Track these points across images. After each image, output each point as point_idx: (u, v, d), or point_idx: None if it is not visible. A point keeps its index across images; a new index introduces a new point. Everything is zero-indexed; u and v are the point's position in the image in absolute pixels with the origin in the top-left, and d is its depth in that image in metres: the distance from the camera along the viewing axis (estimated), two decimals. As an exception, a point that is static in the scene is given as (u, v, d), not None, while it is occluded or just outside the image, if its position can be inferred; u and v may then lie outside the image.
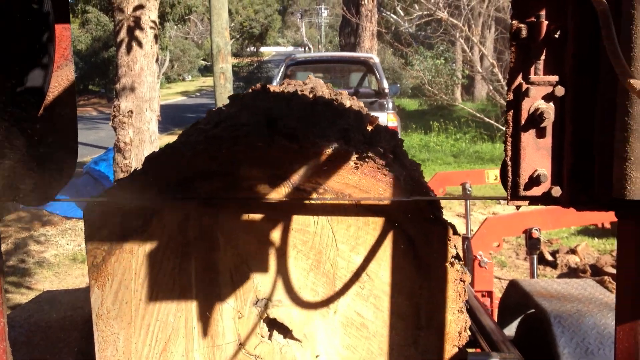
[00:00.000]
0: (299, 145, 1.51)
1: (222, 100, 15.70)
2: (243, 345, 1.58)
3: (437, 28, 17.01)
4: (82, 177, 10.47)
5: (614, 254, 7.26)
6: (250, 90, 2.34)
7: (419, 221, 1.53)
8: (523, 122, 1.29)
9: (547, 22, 1.26)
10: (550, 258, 7.42)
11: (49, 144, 1.68)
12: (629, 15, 1.09)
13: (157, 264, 1.54)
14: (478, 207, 10.31)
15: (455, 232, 1.56)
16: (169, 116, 20.44)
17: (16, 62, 1.61)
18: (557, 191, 1.30)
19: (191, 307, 1.56)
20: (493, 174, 6.31)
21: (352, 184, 1.52)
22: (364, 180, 1.52)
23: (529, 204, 1.36)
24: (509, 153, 1.32)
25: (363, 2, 17.28)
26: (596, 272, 6.86)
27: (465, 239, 4.41)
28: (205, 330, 1.57)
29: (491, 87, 12.52)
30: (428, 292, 1.56)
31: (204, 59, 48.41)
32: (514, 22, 1.29)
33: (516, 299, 3.20)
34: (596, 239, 8.14)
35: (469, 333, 1.62)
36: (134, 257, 1.54)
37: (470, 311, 3.31)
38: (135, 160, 7.84)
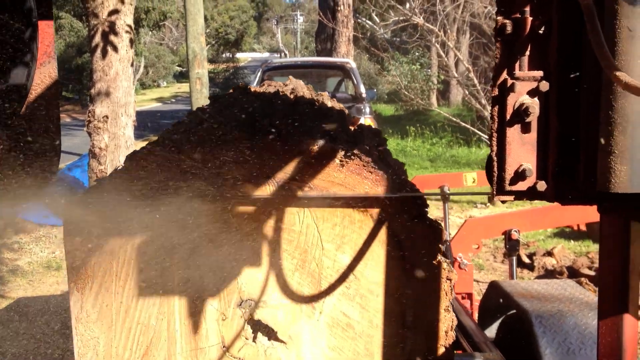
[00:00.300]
0: (284, 143, 1.49)
1: (198, 105, 15.56)
2: (227, 348, 1.55)
3: (412, 33, 17.11)
4: (57, 184, 10.32)
5: (590, 256, 7.33)
6: (231, 91, 2.31)
7: (405, 220, 1.51)
8: (508, 117, 1.30)
9: (531, 17, 1.26)
10: (527, 260, 7.47)
11: (32, 141, 1.70)
12: (612, 10, 1.10)
13: (139, 267, 1.50)
14: (455, 211, 10.36)
15: (442, 231, 1.54)
16: (144, 122, 20.27)
17: None
18: (542, 185, 1.31)
19: (173, 310, 1.52)
20: (471, 177, 6.34)
21: (338, 181, 1.50)
22: (349, 177, 1.50)
23: (515, 199, 1.36)
24: (494, 148, 1.33)
25: (339, 8, 17.33)
26: (573, 274, 6.92)
27: (445, 241, 4.43)
28: (188, 333, 1.53)
29: (467, 92, 12.61)
30: (414, 291, 1.54)
31: (179, 65, 48.17)
32: (498, 18, 1.29)
33: (497, 300, 3.21)
34: (572, 241, 8.21)
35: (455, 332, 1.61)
36: (115, 258, 1.50)
37: (452, 313, 3.31)
38: (110, 165, 7.74)
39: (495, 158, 1.33)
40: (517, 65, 1.29)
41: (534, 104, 1.28)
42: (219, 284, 1.52)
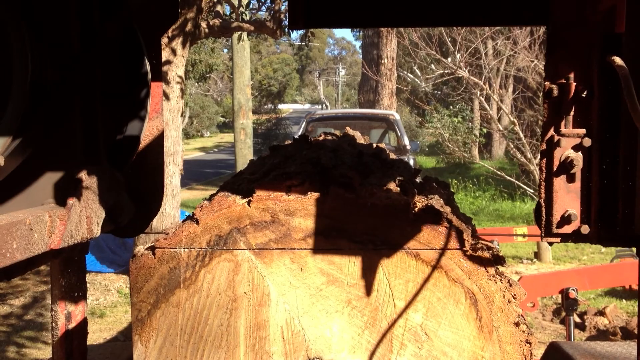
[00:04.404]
0: (356, 195, 1.45)
1: (242, 155, 15.78)
2: (292, 408, 1.48)
3: (456, 87, 17.11)
4: (104, 231, 10.42)
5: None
6: (290, 141, 2.29)
7: (481, 277, 1.45)
8: (555, 168, 1.50)
9: (575, 83, 1.47)
10: (578, 320, 7.20)
11: (141, 185, 1.98)
12: None
13: (205, 320, 1.46)
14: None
15: (521, 290, 1.47)
16: (188, 171, 20.53)
17: (120, 114, 1.92)
18: (586, 229, 1.49)
19: (239, 366, 1.47)
20: (521, 231, 6.19)
21: (411, 236, 1.44)
22: (424, 232, 1.44)
23: (561, 241, 1.54)
24: (543, 195, 1.52)
25: (383, 61, 17.51)
26: (627, 334, 6.64)
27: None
28: (253, 392, 1.47)
29: (512, 145, 12.47)
30: (491, 354, 1.46)
31: (222, 116, 49.04)
32: (546, 82, 1.51)
33: (558, 362, 3.06)
34: (624, 300, 7.92)
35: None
36: (181, 311, 1.46)
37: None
38: (158, 215, 7.80)
39: (543, 204, 1.52)
40: (562, 123, 1.48)
41: (578, 158, 1.47)
42: (286, 340, 1.47)
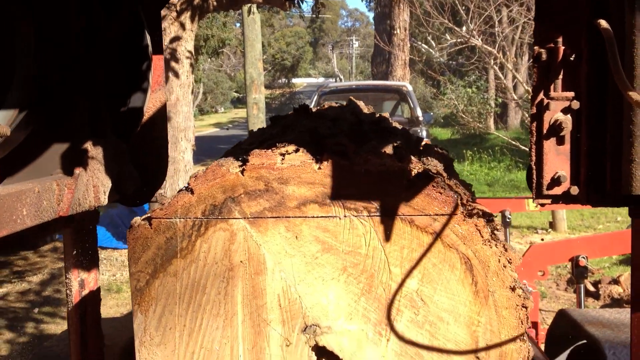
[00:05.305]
0: (350, 162, 1.44)
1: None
2: (291, 375, 1.49)
3: (470, 56, 16.93)
4: (118, 207, 10.54)
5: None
6: (291, 112, 2.28)
7: (476, 242, 1.44)
8: (545, 131, 1.52)
9: (563, 47, 1.49)
10: (592, 288, 7.20)
11: (145, 156, 2.04)
12: (631, 41, 1.32)
13: (202, 289, 1.47)
14: (515, 237, 10.11)
15: (517, 255, 1.46)
16: (202, 148, 20.60)
17: (123, 87, 1.97)
18: (575, 190, 1.51)
19: (237, 334, 1.48)
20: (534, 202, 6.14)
21: (405, 202, 1.44)
22: (418, 198, 1.44)
23: (552, 202, 1.56)
24: (534, 158, 1.54)
25: (395, 32, 17.33)
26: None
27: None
28: (251, 359, 1.49)
29: (526, 114, 12.34)
30: (487, 319, 1.46)
31: (236, 91, 48.97)
32: (535, 47, 1.52)
33: (565, 329, 3.06)
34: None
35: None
36: (179, 280, 1.47)
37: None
38: (170, 189, 7.85)
39: (534, 167, 1.54)
40: (552, 87, 1.50)
41: (566, 120, 1.49)
42: (283, 308, 1.48)
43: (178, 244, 1.46)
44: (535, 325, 3.96)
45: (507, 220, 5.45)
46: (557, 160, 1.53)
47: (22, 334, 6.70)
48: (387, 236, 1.46)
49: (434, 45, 17.83)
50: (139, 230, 1.46)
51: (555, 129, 1.51)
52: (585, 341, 2.87)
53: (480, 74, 21.71)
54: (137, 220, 1.48)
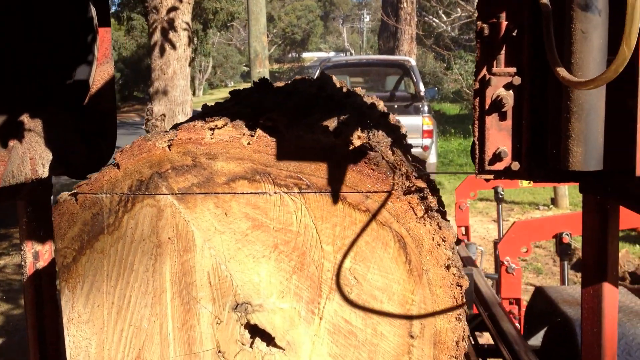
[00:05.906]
0: (281, 138, 1.40)
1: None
2: (222, 353, 1.47)
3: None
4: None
5: (658, 261, 6.95)
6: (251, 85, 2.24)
7: (409, 220, 1.40)
8: (487, 107, 1.51)
9: (506, 22, 1.47)
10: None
11: (92, 128, 2.03)
12: (569, 15, 1.28)
13: (130, 266, 1.44)
14: (516, 213, 10.04)
15: (452, 231, 1.43)
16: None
17: (67, 59, 1.95)
18: (516, 165, 1.51)
19: (166, 312, 1.46)
20: (528, 177, 6.07)
21: (337, 178, 1.40)
22: (350, 175, 1.40)
23: (494, 178, 1.57)
24: (476, 134, 1.54)
25: (402, 6, 17.09)
26: (636, 279, 6.57)
27: (496, 244, 4.23)
28: (181, 337, 1.46)
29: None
30: (421, 297, 1.43)
31: (246, 65, 48.72)
32: (478, 22, 1.50)
33: (542, 306, 3.03)
34: (638, 245, 7.81)
35: (467, 343, 1.48)
36: (106, 257, 1.44)
37: (493, 319, 3.15)
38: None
39: (477, 142, 1.54)
40: (494, 62, 1.49)
41: (508, 96, 1.48)
42: (213, 285, 1.45)
43: (105, 220, 1.43)
44: (518, 301, 3.93)
45: (500, 196, 5.39)
46: (499, 136, 1.52)
47: (19, 306, 6.76)
48: (319, 213, 1.42)
49: (445, 19, 17.61)
50: (64, 206, 1.44)
51: (497, 105, 1.50)
52: (559, 319, 2.84)
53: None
54: (64, 195, 1.45)
